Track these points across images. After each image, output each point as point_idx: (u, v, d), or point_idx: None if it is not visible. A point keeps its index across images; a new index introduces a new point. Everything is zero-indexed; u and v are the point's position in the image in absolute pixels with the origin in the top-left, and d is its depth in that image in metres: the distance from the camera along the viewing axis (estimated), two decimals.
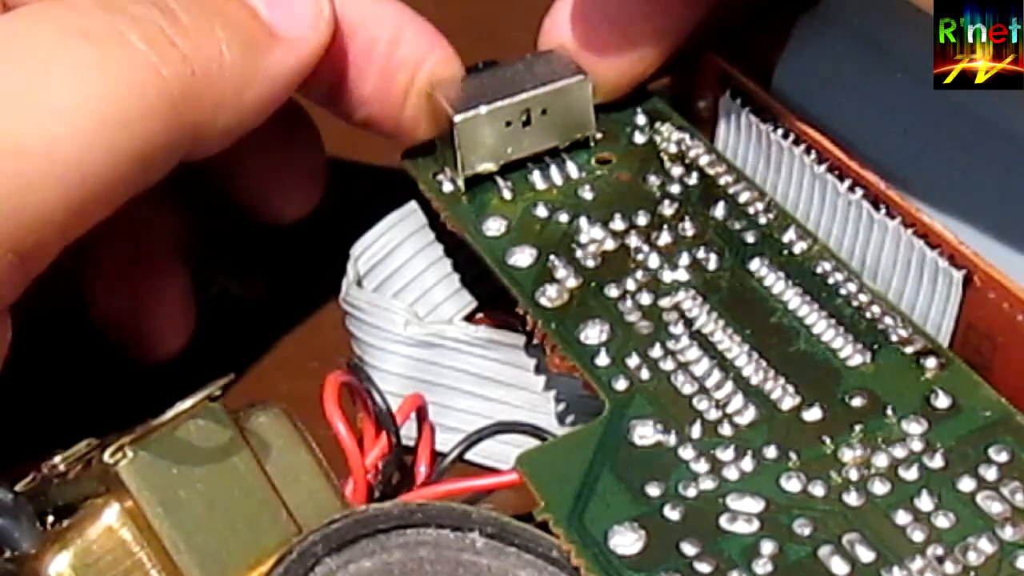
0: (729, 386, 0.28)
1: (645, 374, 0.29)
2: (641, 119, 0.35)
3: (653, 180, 0.33)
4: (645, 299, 0.30)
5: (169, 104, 0.28)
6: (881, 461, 0.26)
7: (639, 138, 0.34)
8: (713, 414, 0.28)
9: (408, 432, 0.30)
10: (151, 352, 0.35)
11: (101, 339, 0.34)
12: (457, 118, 0.33)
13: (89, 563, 0.24)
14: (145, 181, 0.29)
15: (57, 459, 0.26)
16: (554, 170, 0.34)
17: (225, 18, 0.30)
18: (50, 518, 0.25)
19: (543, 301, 0.30)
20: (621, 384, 0.28)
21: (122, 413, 0.26)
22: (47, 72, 0.27)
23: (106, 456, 0.24)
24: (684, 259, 0.31)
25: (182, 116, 0.29)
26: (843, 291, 0.30)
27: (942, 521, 0.25)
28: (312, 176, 0.36)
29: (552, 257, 0.31)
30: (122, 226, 0.32)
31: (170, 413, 0.25)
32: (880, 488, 0.26)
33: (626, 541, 0.25)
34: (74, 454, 0.27)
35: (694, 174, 0.33)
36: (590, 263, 0.31)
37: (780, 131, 0.32)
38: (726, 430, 0.27)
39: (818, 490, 0.26)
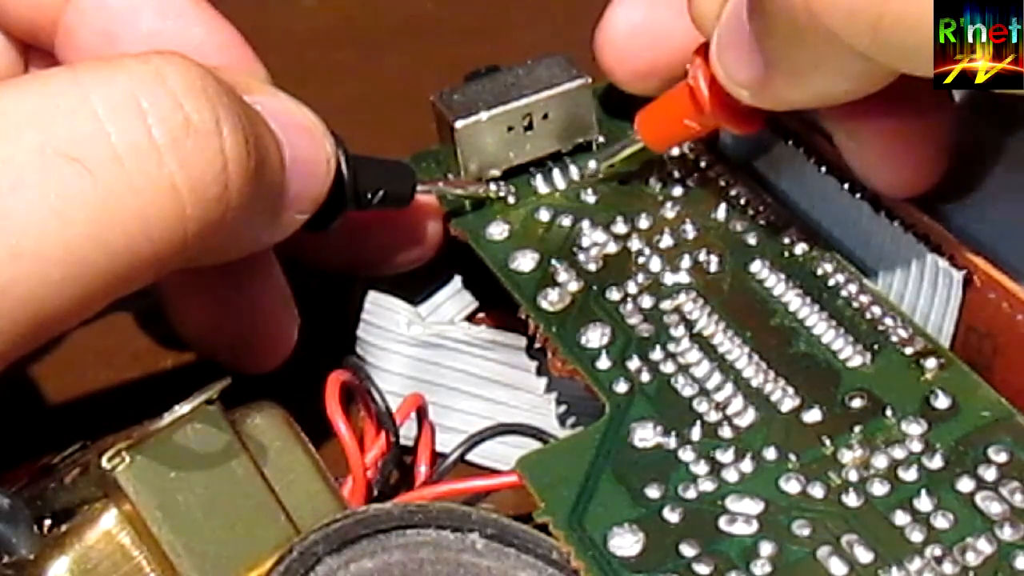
0: (729, 388, 0.28)
1: (646, 377, 0.29)
2: None
3: (655, 183, 0.33)
4: (646, 302, 0.30)
5: (181, 248, 0.25)
6: (880, 462, 0.26)
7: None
8: (713, 416, 0.28)
9: (408, 432, 0.30)
10: (254, 365, 0.32)
11: (98, 340, 0.34)
12: (458, 124, 0.33)
13: (88, 568, 0.24)
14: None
15: (53, 461, 0.27)
16: (556, 174, 0.34)
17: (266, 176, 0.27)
18: (48, 523, 0.25)
19: (545, 305, 0.30)
20: (622, 387, 0.28)
21: (120, 415, 0.26)
22: (17, 197, 0.23)
23: (104, 461, 0.24)
24: (685, 262, 0.31)
25: (180, 262, 0.26)
26: (844, 292, 0.30)
27: (941, 522, 0.25)
28: (277, 329, 0.32)
29: (554, 261, 0.31)
30: None
31: (168, 417, 0.25)
32: (879, 489, 0.26)
33: (625, 543, 0.25)
34: (68, 456, 0.27)
35: (695, 176, 0.33)
36: (592, 267, 0.31)
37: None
38: (726, 432, 0.27)
39: (817, 491, 0.26)
